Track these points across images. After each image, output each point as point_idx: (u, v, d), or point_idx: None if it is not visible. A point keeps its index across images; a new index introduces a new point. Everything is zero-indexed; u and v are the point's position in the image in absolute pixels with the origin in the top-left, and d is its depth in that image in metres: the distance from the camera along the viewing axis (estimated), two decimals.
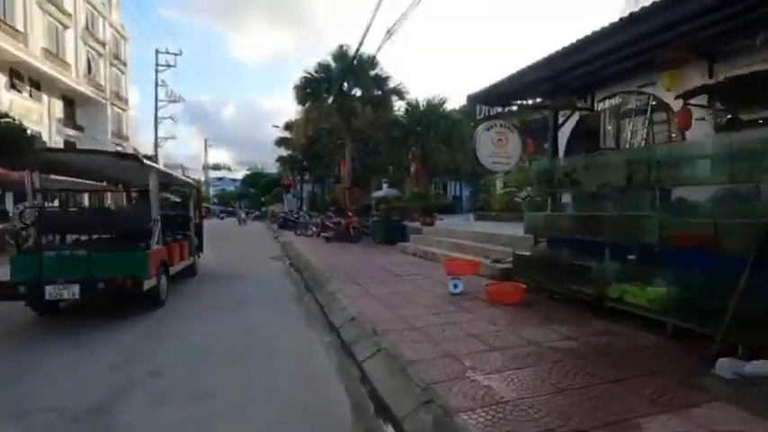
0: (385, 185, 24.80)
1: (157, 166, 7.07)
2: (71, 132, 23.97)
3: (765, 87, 5.82)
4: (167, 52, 30.73)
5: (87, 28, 25.76)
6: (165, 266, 6.16)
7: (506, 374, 3.10)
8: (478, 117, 11.73)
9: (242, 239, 18.38)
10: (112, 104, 28.69)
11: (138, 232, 5.92)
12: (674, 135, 7.54)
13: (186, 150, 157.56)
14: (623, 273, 4.56)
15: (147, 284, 5.27)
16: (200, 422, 2.86)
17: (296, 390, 3.32)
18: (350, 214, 15.57)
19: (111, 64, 28.98)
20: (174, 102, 32.97)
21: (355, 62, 17.02)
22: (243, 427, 2.82)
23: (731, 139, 4.02)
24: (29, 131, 17.06)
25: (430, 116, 20.61)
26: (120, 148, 27.23)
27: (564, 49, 5.27)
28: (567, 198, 6.58)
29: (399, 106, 21.24)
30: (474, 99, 7.83)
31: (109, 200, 19.24)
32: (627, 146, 8.41)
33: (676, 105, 6.55)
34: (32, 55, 19.73)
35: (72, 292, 4.86)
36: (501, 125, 7.41)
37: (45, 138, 20.23)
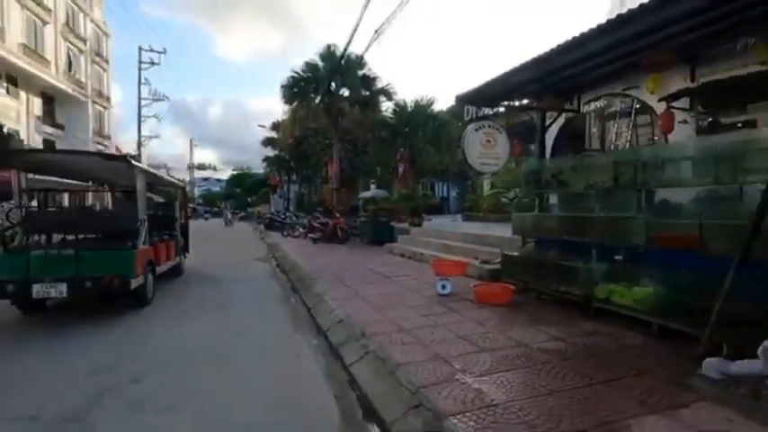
0: (373, 186, 24.70)
1: (143, 166, 6.98)
2: (50, 131, 23.29)
3: (743, 92, 5.97)
4: (151, 50, 30.06)
5: (68, 24, 25.08)
6: (152, 266, 6.23)
7: (496, 377, 3.08)
8: (466, 118, 11.73)
9: (228, 240, 18.12)
10: (94, 102, 28.00)
11: (124, 232, 5.94)
12: (656, 137, 7.68)
13: (171, 150, 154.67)
14: (610, 273, 4.61)
15: (134, 283, 5.32)
16: (187, 423, 2.79)
17: (283, 393, 3.25)
18: (337, 215, 15.45)
19: (93, 61, 28.28)
20: (159, 100, 32.21)
21: (343, 62, 16.91)
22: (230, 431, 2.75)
23: (714, 142, 4.09)
24: (5, 129, 16.56)
25: (418, 117, 20.61)
26: (101, 147, 26.67)
27: (551, 50, 5.30)
28: (554, 199, 6.63)
29: (387, 107, 21.18)
30: (462, 100, 7.83)
31: (90, 200, 18.80)
32: (612, 147, 8.53)
33: (659, 108, 6.67)
34: (9, 50, 19.15)
35: (59, 290, 4.94)
36: (489, 126, 7.42)
37: (23, 136, 19.61)
